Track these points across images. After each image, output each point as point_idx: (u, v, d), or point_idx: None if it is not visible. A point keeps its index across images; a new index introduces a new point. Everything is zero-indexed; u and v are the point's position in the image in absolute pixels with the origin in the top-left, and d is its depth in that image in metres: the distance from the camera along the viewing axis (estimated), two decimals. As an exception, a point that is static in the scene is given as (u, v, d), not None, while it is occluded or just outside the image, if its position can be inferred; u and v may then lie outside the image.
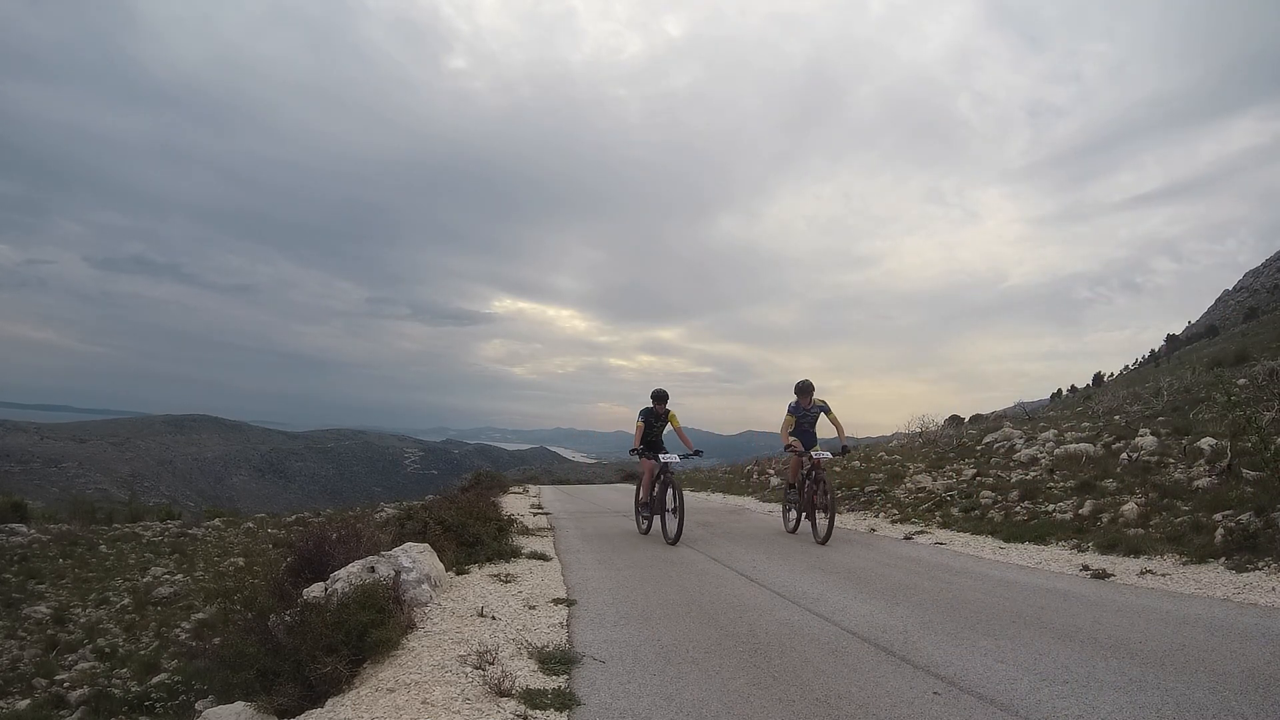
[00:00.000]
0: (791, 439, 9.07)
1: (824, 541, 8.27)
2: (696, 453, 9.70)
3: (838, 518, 9.29)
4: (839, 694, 3.34)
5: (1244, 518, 6.27)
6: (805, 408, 9.18)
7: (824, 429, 9.32)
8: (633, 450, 9.27)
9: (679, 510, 8.44)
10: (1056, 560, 6.83)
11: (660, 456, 8.97)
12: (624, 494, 20.31)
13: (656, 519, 9.28)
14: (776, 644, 4.21)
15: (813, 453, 8.88)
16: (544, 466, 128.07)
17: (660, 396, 9.35)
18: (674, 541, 8.39)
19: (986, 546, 7.92)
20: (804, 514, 9.14)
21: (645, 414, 9.26)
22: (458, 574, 6.59)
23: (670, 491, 8.66)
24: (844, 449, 9.66)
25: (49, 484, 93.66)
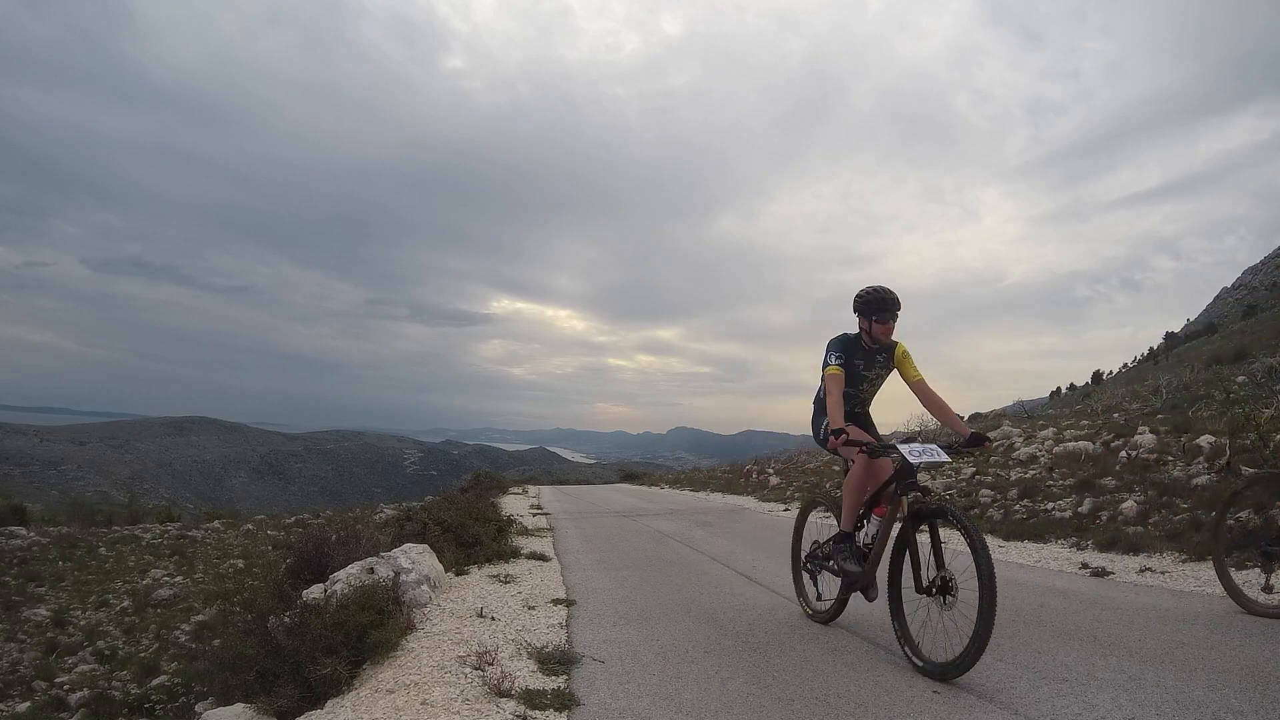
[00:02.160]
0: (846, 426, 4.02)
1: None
2: (978, 440, 3.93)
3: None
4: (838, 693, 3.34)
5: (1242, 515, 6.28)
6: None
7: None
8: (827, 433, 4.11)
9: (985, 591, 3.17)
10: (1056, 558, 6.84)
11: (903, 449, 3.75)
12: (624, 494, 20.27)
13: (854, 595, 4.26)
14: (775, 643, 4.21)
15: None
16: (543, 467, 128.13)
17: (879, 301, 4.22)
18: (958, 669, 3.27)
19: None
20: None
21: (842, 349, 4.33)
22: (457, 574, 6.60)
23: (953, 532, 3.50)
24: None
25: (49, 486, 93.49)
